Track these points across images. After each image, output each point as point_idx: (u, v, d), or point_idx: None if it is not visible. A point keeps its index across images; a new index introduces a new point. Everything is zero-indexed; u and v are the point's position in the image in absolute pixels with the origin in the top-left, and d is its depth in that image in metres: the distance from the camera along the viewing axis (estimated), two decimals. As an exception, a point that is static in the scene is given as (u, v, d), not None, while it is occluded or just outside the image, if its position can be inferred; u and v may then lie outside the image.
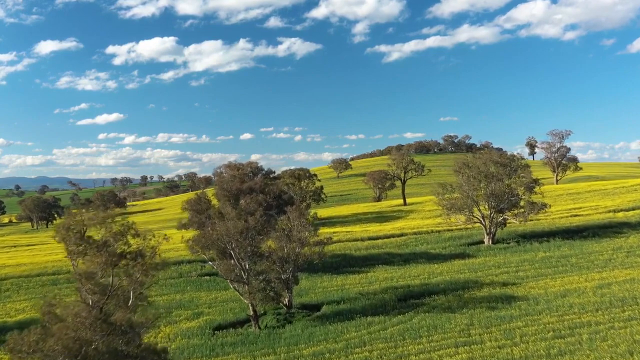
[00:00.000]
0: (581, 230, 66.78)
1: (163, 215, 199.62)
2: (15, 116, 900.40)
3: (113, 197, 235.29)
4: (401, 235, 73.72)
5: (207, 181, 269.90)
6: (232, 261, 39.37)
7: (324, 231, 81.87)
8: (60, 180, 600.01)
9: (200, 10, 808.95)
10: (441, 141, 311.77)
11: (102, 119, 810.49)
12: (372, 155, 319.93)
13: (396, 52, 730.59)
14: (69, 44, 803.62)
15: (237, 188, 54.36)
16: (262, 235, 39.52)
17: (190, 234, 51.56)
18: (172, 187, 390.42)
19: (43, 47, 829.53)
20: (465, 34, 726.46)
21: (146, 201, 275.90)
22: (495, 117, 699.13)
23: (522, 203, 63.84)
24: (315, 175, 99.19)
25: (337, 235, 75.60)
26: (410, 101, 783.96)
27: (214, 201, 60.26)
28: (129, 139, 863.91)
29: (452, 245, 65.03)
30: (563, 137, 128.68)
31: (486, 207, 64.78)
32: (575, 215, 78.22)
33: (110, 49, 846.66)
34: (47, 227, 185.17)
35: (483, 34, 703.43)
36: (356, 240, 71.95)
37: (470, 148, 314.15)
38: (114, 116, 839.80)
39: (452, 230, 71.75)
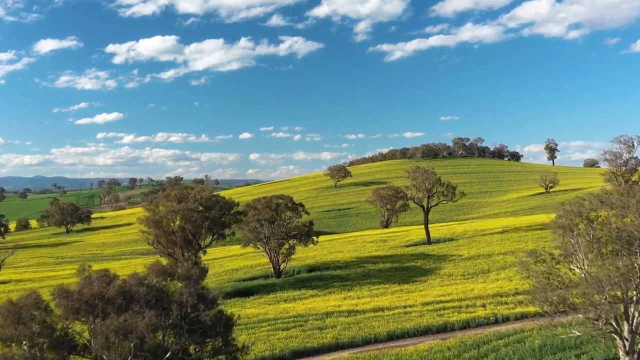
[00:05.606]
0: None
1: (130, 233, 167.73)
2: (14, 115, 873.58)
3: (74, 210, 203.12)
4: (445, 328, 41.97)
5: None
6: None
7: (313, 305, 49.77)
8: (58, 180, 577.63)
9: (201, 8, 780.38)
10: (449, 143, 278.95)
11: (101, 118, 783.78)
12: (373, 159, 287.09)
13: (398, 51, 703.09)
14: (69, 42, 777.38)
15: (96, 294, 22.54)
16: None
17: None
18: (158, 191, 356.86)
19: (43, 46, 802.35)
20: (469, 32, 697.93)
21: (117, 212, 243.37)
22: (496, 116, 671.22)
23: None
24: (302, 205, 67.11)
25: (330, 324, 43.64)
26: (411, 100, 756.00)
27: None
28: (128, 138, 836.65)
29: (555, 371, 33.13)
30: (633, 145, 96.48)
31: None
32: None
33: (110, 48, 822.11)
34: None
35: (486, 32, 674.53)
36: (368, 341, 40.09)
37: (483, 152, 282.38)
38: (113, 115, 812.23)
39: (527, 313, 40.08)
